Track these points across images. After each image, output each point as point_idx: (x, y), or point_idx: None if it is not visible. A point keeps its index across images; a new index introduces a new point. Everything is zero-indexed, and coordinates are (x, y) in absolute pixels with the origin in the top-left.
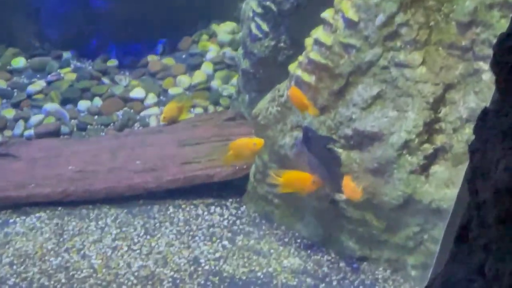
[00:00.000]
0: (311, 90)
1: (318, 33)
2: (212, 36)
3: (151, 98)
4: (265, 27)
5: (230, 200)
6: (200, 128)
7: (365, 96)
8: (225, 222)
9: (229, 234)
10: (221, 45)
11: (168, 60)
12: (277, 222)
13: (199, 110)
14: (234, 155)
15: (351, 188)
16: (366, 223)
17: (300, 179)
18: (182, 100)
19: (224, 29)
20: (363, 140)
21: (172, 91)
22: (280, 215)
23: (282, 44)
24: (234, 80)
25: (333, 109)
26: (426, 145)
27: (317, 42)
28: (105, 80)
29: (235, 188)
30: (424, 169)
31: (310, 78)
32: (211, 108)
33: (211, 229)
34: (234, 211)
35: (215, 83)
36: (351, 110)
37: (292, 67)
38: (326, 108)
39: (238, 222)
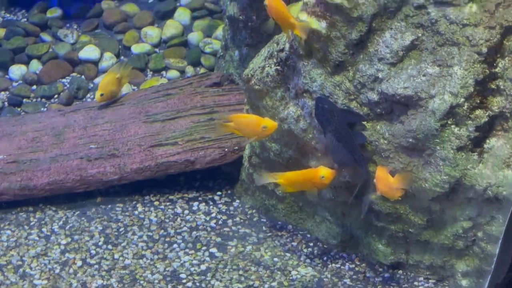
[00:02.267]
0: (321, 40)
1: None
2: None
3: (108, 59)
4: None
5: (219, 193)
6: (174, 97)
7: (395, 46)
8: (213, 223)
9: (219, 239)
10: None
11: (129, 7)
12: (281, 220)
13: (173, 73)
14: (233, 130)
15: (386, 184)
16: (400, 218)
17: (305, 178)
18: (121, 69)
19: None
20: (393, 108)
21: (136, 49)
22: (285, 210)
23: None
24: (220, 32)
25: (352, 66)
26: (478, 112)
27: None
28: (45, 36)
29: (225, 177)
30: (476, 144)
31: (319, 25)
32: (189, 70)
33: (194, 233)
34: (224, 208)
35: (194, 37)
36: (376, 66)
37: (295, 10)
38: (342, 65)
39: (230, 222)
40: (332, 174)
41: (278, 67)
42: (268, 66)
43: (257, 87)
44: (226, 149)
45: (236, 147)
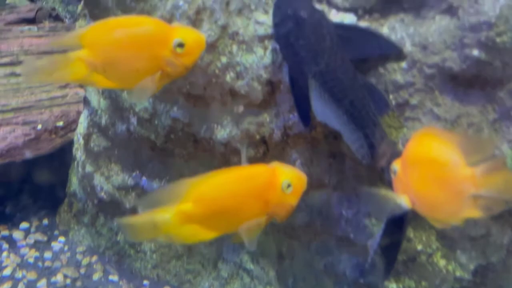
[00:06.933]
0: None
1: None
2: None
3: None
4: None
5: (25, 224)
6: None
7: None
8: None
9: None
10: None
11: None
12: (150, 276)
13: None
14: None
15: (447, 180)
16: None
17: (248, 190)
18: None
19: None
20: None
21: None
22: (158, 254)
23: None
24: None
25: None
26: None
27: None
28: None
29: (38, 193)
30: None
31: None
32: None
33: None
34: (32, 255)
35: None
36: None
37: None
38: None
39: (43, 285)
40: (304, 179)
41: None
42: None
43: None
44: (40, 127)
45: (61, 122)
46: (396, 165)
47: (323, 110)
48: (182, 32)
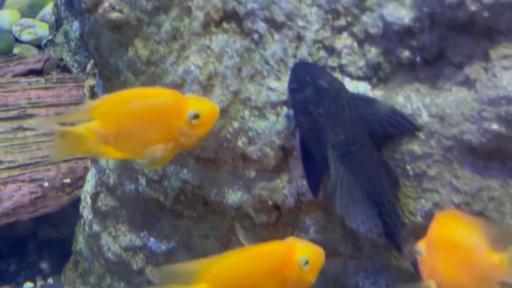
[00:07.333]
0: None
1: None
2: None
3: None
4: None
5: (29, 285)
6: None
7: None
8: None
9: None
10: None
11: None
12: None
13: None
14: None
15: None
16: None
17: (264, 270)
18: None
19: None
20: (447, 45)
21: None
22: None
23: None
24: (48, 10)
25: None
26: None
27: None
28: None
29: (44, 249)
30: None
31: None
32: None
33: None
34: None
35: (5, 17)
36: None
37: None
38: None
39: None
40: (321, 254)
41: None
42: None
43: (117, 16)
44: (46, 184)
45: (68, 179)
46: (421, 245)
47: (346, 199)
48: (197, 103)
